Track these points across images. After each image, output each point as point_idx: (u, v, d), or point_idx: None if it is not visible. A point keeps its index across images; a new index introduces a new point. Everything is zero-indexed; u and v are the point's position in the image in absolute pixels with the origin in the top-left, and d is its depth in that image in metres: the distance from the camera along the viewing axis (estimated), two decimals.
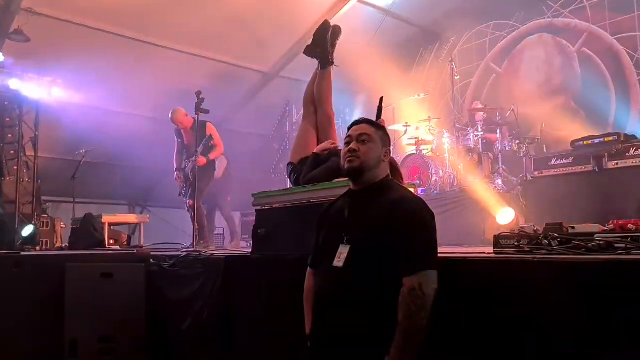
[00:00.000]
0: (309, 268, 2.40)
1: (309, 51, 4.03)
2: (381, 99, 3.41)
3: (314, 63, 4.11)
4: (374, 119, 2.55)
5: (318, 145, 3.86)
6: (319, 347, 2.17)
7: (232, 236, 7.41)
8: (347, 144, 2.25)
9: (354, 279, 2.05)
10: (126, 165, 9.13)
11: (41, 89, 6.92)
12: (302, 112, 4.26)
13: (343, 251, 2.10)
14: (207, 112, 5.62)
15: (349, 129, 2.32)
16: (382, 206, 2.10)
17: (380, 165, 2.25)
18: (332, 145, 3.71)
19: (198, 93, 5.51)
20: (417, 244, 2.00)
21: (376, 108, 3.43)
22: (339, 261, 2.10)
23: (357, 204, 2.20)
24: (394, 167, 2.55)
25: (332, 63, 3.98)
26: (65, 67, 7.04)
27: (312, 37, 4.03)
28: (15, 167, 6.54)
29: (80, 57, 7.16)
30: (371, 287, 2.01)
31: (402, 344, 1.91)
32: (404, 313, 1.91)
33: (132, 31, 7.70)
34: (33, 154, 6.82)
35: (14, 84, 6.70)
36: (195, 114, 5.56)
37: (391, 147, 2.39)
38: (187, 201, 6.29)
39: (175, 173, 6.52)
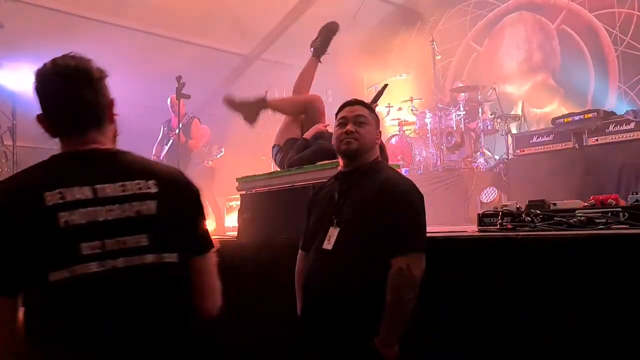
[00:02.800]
0: (300, 250, 2.39)
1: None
2: (385, 85, 3.41)
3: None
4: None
5: (304, 128, 3.84)
6: (308, 328, 2.18)
7: (216, 222, 7.40)
8: (342, 125, 2.23)
9: (343, 261, 2.05)
10: None
11: (17, 77, 6.76)
12: (284, 95, 4.26)
13: (333, 233, 2.10)
14: (188, 97, 5.59)
15: (340, 109, 2.31)
16: (371, 188, 2.09)
17: (374, 147, 2.25)
18: (323, 128, 3.69)
19: (178, 78, 5.46)
20: (405, 225, 2.01)
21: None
22: (328, 244, 2.09)
23: (347, 186, 2.18)
24: (381, 148, 2.56)
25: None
26: (42, 54, 6.78)
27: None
28: None
29: (56, 43, 6.92)
30: (360, 269, 2.01)
31: (390, 325, 1.94)
32: (392, 294, 1.93)
33: (110, 15, 7.55)
34: (11, 144, 6.70)
35: None
36: (177, 99, 5.52)
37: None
38: None
39: (153, 157, 6.56)
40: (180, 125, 6.12)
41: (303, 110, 3.89)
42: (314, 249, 2.19)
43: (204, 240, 1.60)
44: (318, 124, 3.73)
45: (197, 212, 1.61)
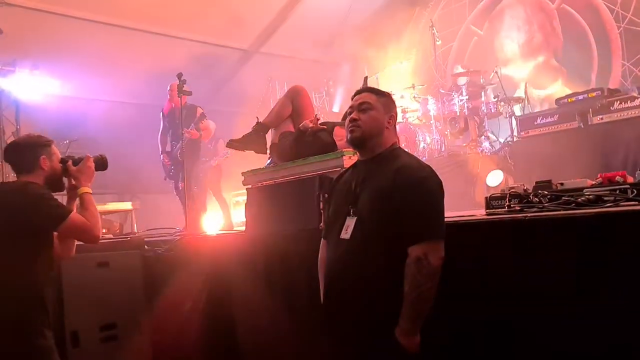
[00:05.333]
0: (322, 239, 2.37)
1: None
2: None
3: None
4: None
5: (295, 121, 3.85)
6: (329, 317, 2.17)
7: (224, 217, 7.41)
8: (349, 114, 2.21)
9: (361, 251, 2.03)
10: (112, 153, 9.00)
11: (19, 82, 6.78)
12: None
13: (350, 223, 2.08)
14: (189, 93, 5.56)
15: (352, 99, 2.28)
16: (387, 175, 2.05)
17: (384, 132, 2.19)
18: (312, 123, 3.67)
19: (179, 75, 5.44)
20: (422, 213, 1.97)
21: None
22: (346, 233, 2.08)
23: (364, 175, 2.16)
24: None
25: None
26: (42, 58, 6.90)
27: None
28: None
29: (56, 47, 7.01)
30: (378, 258, 1.99)
31: (410, 314, 1.91)
32: (410, 284, 1.90)
33: (107, 16, 7.53)
34: None
35: None
36: (178, 96, 5.50)
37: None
38: (180, 184, 6.31)
39: (162, 155, 6.49)
40: (192, 126, 6.08)
41: (291, 106, 3.91)
42: (333, 238, 2.17)
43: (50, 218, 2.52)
44: (305, 121, 3.70)
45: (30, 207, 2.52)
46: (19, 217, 2.48)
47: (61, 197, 2.73)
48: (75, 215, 2.59)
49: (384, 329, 1.94)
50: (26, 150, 2.69)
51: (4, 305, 2.44)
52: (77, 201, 2.77)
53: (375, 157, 2.17)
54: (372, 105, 2.19)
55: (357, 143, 2.19)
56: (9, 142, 6.69)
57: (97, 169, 2.86)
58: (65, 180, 2.80)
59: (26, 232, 2.50)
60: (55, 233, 2.65)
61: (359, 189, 2.13)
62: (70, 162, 2.78)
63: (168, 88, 6.37)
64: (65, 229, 2.56)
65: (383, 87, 7.75)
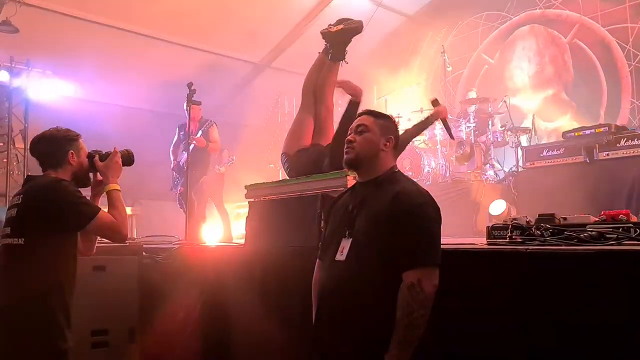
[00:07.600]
0: (317, 259, 2.35)
1: (331, 37, 3.95)
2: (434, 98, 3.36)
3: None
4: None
5: (313, 136, 3.81)
6: (320, 339, 2.14)
7: (224, 228, 7.39)
8: (349, 136, 2.23)
9: (355, 273, 2.01)
10: None
11: (30, 81, 6.84)
12: (294, 103, 4.24)
13: (345, 245, 2.07)
14: (198, 103, 5.61)
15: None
16: (385, 199, 2.04)
17: (380, 155, 2.17)
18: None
19: (189, 85, 5.47)
20: (417, 239, 1.95)
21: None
22: (341, 255, 2.06)
23: (361, 197, 2.15)
24: None
25: (344, 59, 3.97)
26: (55, 59, 6.97)
27: (342, 24, 3.91)
28: (5, 160, 6.49)
29: (70, 49, 7.09)
30: (372, 282, 1.97)
31: (400, 340, 1.87)
32: (403, 310, 1.87)
33: (122, 22, 7.63)
34: (23, 147, 6.75)
35: (2, 76, 6.63)
36: (187, 105, 5.54)
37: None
38: (179, 189, 6.35)
39: (173, 162, 6.54)
40: (200, 133, 6.15)
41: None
42: (328, 259, 2.16)
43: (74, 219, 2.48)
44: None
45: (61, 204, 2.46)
46: (49, 214, 2.41)
47: (85, 193, 2.65)
48: (103, 213, 2.53)
49: (374, 354, 1.91)
50: (54, 145, 2.60)
51: (31, 307, 2.37)
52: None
53: (373, 180, 2.16)
54: (368, 128, 2.19)
55: (351, 164, 2.20)
56: (15, 139, 6.79)
57: (123, 165, 2.76)
58: (90, 175, 2.72)
59: (55, 229, 2.42)
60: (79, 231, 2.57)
61: (356, 211, 2.12)
62: (97, 157, 2.70)
63: (185, 106, 6.42)
64: (93, 228, 2.50)
65: (391, 110, 7.82)
